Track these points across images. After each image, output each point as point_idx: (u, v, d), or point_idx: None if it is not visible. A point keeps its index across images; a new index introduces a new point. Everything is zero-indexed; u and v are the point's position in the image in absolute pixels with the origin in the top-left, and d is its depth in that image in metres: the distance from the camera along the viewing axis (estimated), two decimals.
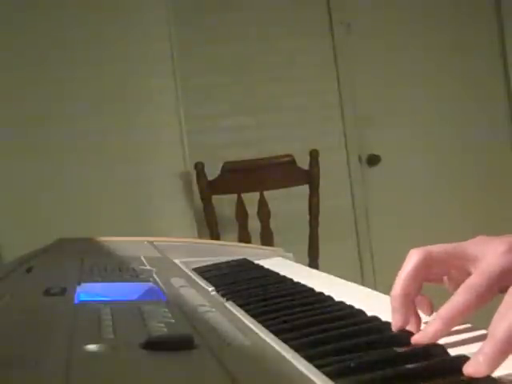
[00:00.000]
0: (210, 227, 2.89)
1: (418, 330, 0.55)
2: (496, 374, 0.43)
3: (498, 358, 0.44)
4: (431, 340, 0.50)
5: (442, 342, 0.50)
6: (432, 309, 0.59)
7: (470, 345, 0.51)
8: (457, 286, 0.53)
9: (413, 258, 0.56)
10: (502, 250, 0.52)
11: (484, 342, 0.45)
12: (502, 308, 0.46)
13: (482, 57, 3.65)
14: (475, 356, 0.44)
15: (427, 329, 0.51)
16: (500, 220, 3.35)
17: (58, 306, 0.63)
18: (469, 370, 0.44)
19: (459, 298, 0.51)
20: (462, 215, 3.52)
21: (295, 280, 0.83)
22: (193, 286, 0.78)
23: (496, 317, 0.46)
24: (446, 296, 0.54)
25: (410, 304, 0.56)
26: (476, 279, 0.51)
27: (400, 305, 0.55)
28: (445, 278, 0.60)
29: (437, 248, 0.57)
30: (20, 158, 2.90)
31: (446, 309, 0.51)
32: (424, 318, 0.57)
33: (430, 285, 0.59)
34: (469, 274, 0.53)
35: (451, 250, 0.56)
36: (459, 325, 0.53)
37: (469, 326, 0.55)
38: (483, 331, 0.53)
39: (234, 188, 2.90)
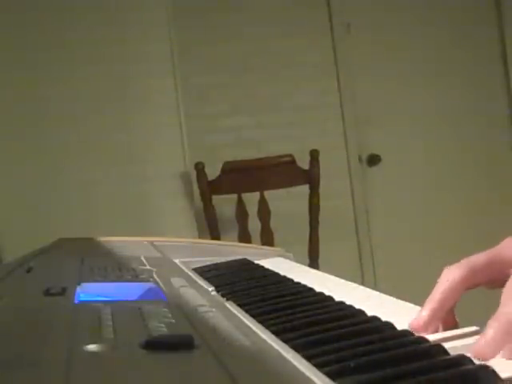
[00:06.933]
0: (210, 227, 2.89)
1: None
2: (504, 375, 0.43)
3: (501, 340, 0.46)
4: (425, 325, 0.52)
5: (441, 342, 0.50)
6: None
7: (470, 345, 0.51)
8: (499, 285, 0.53)
9: (454, 273, 0.55)
10: None
11: (488, 324, 0.47)
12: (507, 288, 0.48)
13: (482, 57, 3.65)
14: (480, 337, 0.46)
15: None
16: (500, 219, 3.34)
17: (57, 306, 0.63)
18: (474, 349, 0.46)
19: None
20: (462, 215, 3.52)
21: (295, 280, 0.82)
22: (193, 286, 0.78)
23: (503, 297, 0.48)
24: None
25: (439, 315, 0.55)
26: None
27: (431, 310, 0.54)
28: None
29: (476, 259, 0.56)
30: (20, 158, 2.90)
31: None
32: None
33: None
34: (508, 276, 0.53)
35: (490, 257, 0.57)
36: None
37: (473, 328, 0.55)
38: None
39: (234, 188, 2.89)
